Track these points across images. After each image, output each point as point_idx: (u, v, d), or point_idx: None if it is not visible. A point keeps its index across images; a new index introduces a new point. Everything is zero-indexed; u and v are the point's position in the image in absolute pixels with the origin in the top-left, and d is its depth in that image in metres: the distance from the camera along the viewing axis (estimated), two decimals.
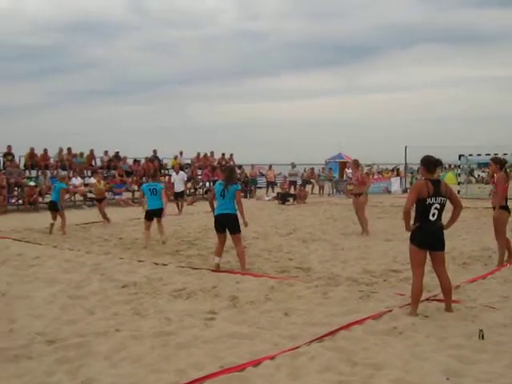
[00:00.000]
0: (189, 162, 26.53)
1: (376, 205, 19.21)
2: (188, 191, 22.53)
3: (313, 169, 29.17)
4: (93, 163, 23.41)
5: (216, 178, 22.16)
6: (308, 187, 26.49)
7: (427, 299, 5.94)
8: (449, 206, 5.57)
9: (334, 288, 6.69)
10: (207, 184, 24.82)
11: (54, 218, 12.68)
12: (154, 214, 10.63)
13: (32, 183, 19.19)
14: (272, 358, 4.31)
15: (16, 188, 19.44)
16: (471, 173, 31.89)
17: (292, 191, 24.18)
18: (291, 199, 22.23)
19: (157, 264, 8.45)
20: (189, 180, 22.85)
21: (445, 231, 5.56)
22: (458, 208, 5.67)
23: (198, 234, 12.09)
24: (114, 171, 22.94)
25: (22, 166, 21.15)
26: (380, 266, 8.15)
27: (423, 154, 5.68)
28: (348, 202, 16.55)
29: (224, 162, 26.26)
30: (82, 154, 23.14)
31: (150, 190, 10.69)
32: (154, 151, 25.68)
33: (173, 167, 23.00)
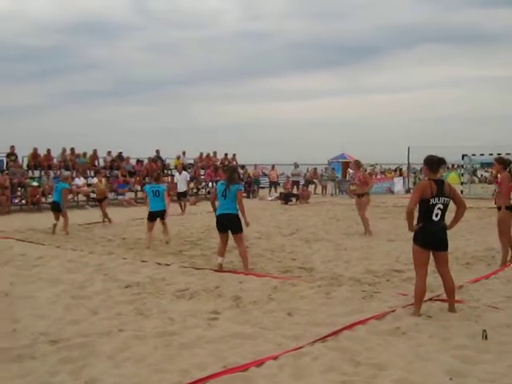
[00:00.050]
0: (192, 162, 26.55)
1: (379, 205, 19.20)
2: (191, 191, 22.55)
3: (316, 169, 29.20)
4: (96, 163, 23.44)
5: (218, 178, 22.17)
6: (311, 187, 26.50)
7: (430, 299, 5.92)
8: (452, 206, 5.57)
9: (336, 288, 6.69)
10: (210, 184, 24.85)
11: (57, 219, 12.71)
12: (156, 216, 10.68)
13: (35, 183, 19.22)
14: (275, 358, 4.31)
15: (19, 188, 19.49)
16: (474, 173, 31.82)
17: (295, 191, 24.21)
18: (294, 199, 22.24)
19: (160, 264, 8.46)
20: (192, 180, 22.87)
21: (448, 231, 5.55)
22: (461, 208, 5.66)
23: (201, 234, 12.10)
24: (117, 171, 22.96)
25: (25, 166, 21.22)
26: (383, 266, 8.14)
27: (426, 154, 5.67)
28: (351, 202, 16.54)
29: (227, 162, 26.27)
30: (85, 155, 23.18)
31: (152, 191, 10.76)
32: (157, 151, 25.70)
33: (176, 167, 23.02)
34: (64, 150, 22.42)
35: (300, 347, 4.54)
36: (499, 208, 8.04)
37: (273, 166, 28.28)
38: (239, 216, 7.98)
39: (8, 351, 4.53)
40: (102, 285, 7.06)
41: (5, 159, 20.54)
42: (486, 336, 4.70)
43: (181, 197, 18.22)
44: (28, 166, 21.28)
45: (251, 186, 25.95)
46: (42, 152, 21.69)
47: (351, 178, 17.19)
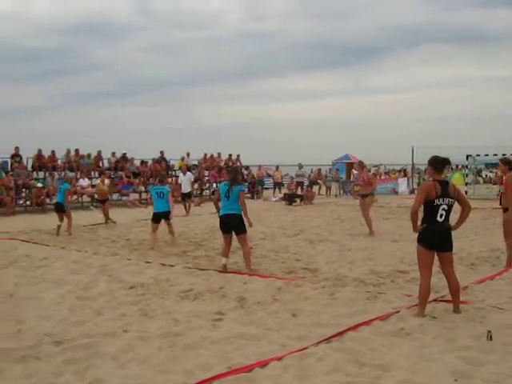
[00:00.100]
0: (196, 162, 26.57)
1: (383, 205, 19.17)
2: (195, 192, 22.57)
3: (320, 169, 29.16)
4: (100, 164, 23.50)
5: (223, 179, 22.19)
6: (315, 188, 26.46)
7: (435, 300, 5.91)
8: (457, 206, 5.55)
9: (341, 289, 6.68)
10: (214, 185, 24.85)
11: (61, 220, 12.74)
12: (160, 217, 10.73)
13: (39, 184, 19.29)
14: (279, 358, 4.31)
15: (24, 189, 19.55)
16: (479, 173, 31.68)
17: (299, 192, 24.17)
18: (298, 200, 22.22)
19: (164, 265, 8.47)
20: (196, 181, 22.89)
21: (452, 232, 5.54)
22: (466, 209, 5.64)
23: (205, 235, 12.10)
24: (121, 172, 23.03)
25: (29, 167, 21.27)
26: (387, 267, 8.13)
27: (430, 155, 5.65)
28: (355, 202, 16.51)
29: (231, 163, 26.28)
30: (89, 156, 23.22)
31: (157, 193, 10.81)
32: (161, 152, 25.73)
33: (180, 168, 23.05)
34: (68, 151, 22.49)
35: (304, 348, 4.54)
36: (504, 209, 8.01)
37: (277, 167, 28.26)
38: (243, 217, 7.99)
39: (13, 352, 4.54)
40: (107, 286, 7.07)
41: (9, 160, 20.59)
42: (490, 337, 4.69)
43: (185, 198, 18.24)
44: (32, 167, 21.34)
45: (255, 186, 25.95)
46: (46, 153, 21.76)
47: (355, 179, 17.16)
